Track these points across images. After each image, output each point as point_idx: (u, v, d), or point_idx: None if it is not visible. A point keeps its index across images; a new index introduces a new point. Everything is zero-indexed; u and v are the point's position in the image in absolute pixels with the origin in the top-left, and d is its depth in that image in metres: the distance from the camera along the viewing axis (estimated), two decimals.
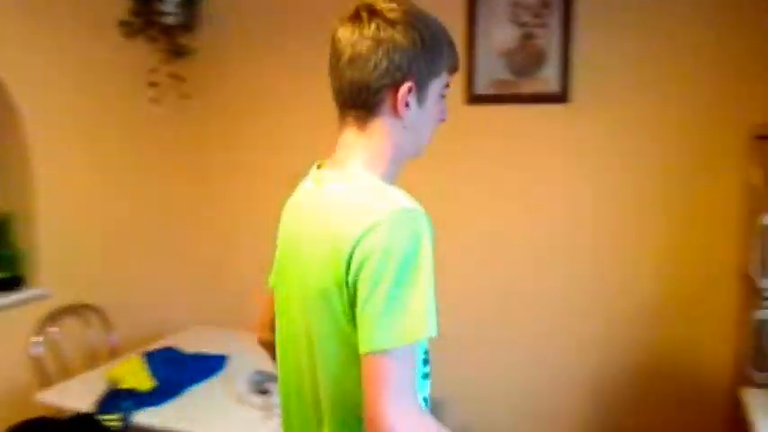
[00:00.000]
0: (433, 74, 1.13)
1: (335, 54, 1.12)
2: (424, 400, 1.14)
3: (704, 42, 2.52)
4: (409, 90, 1.10)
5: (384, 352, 0.96)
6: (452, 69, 1.18)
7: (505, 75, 2.78)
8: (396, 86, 1.10)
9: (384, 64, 1.08)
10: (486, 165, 2.89)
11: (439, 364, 2.72)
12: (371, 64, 1.08)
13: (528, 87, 2.77)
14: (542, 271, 2.85)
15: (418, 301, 0.98)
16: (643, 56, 2.60)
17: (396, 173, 1.17)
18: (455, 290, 2.84)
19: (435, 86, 1.15)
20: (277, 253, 1.25)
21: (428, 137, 1.20)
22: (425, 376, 1.15)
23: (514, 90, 2.79)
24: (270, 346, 1.31)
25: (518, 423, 2.96)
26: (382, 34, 1.08)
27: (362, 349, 0.98)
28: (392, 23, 1.08)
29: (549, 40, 2.69)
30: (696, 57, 2.53)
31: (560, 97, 2.72)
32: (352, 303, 1.02)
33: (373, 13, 1.09)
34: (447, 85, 1.18)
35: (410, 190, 1.07)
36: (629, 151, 2.66)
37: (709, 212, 2.58)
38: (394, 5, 1.10)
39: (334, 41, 1.12)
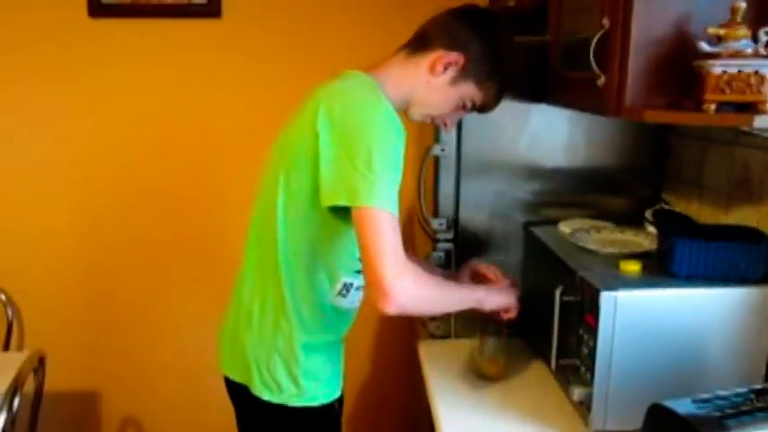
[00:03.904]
0: (477, 78, 1.27)
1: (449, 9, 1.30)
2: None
3: None
4: (456, 61, 1.25)
5: None
6: (485, 101, 1.31)
7: None
8: (449, 50, 1.24)
9: (456, 34, 1.25)
10: (113, 92, 2.27)
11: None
12: (450, 26, 1.27)
13: None
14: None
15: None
16: None
17: (396, 107, 1.22)
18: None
19: (469, 89, 1.28)
20: None
21: (428, 112, 1.32)
22: None
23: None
24: None
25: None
26: (480, 23, 1.28)
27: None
28: (493, 25, 1.29)
29: None
30: None
31: (209, 11, 2.19)
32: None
33: (496, 20, 1.31)
34: (473, 105, 1.31)
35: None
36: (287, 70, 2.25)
37: None
38: (508, 31, 1.33)
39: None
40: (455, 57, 1.24)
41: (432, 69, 1.25)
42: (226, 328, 1.41)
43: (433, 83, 1.26)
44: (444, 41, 1.25)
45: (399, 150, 1.16)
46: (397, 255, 1.11)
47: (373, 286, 1.11)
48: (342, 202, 1.12)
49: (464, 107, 1.31)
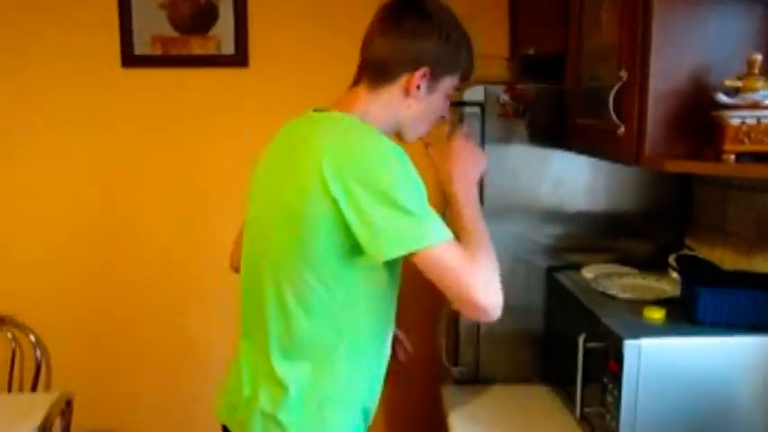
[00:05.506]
0: (448, 70, 1.25)
1: (372, 29, 1.25)
2: None
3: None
4: (424, 75, 1.22)
5: None
6: (465, 75, 1.29)
7: (168, 30, 2.25)
8: (414, 70, 1.21)
9: (409, 52, 1.20)
10: (145, 139, 2.35)
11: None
12: (399, 49, 1.21)
13: (199, 47, 2.27)
14: None
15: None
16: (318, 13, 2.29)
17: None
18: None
19: (446, 82, 1.26)
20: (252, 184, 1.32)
21: (423, 126, 1.30)
22: None
23: (183, 50, 2.27)
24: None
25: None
26: (417, 26, 1.20)
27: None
28: (428, 16, 1.21)
29: None
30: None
31: (237, 60, 2.27)
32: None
33: (414, 4, 1.22)
34: (456, 88, 1.31)
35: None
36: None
37: None
38: (439, 4, 1.24)
39: (376, 18, 1.24)
40: (422, 72, 1.21)
41: (406, 93, 1.22)
42: (254, 409, 1.24)
43: (414, 104, 1.24)
44: (404, 66, 1.21)
45: (417, 176, 1.14)
46: (475, 272, 1.11)
47: (474, 312, 1.12)
48: (401, 253, 1.08)
49: (449, 96, 1.30)
